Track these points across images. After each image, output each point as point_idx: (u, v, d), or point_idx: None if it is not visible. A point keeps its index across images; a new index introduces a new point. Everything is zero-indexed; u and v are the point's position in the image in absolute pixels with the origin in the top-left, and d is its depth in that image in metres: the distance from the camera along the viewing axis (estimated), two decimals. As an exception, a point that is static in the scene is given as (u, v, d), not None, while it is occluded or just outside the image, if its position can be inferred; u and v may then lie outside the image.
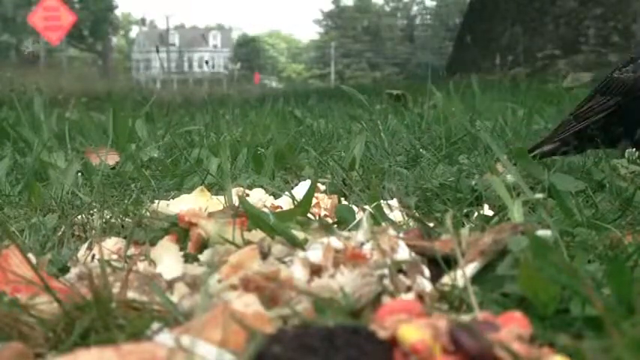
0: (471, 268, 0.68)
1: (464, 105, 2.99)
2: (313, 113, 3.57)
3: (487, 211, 1.06)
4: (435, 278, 0.69)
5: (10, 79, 7.57)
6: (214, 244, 0.84)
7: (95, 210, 1.17)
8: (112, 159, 1.83)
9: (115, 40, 45.28)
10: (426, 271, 0.69)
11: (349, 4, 48.61)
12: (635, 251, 0.71)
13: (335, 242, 0.71)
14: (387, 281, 0.66)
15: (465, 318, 0.55)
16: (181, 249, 0.84)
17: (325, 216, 1.05)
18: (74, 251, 0.92)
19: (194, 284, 0.70)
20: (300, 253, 0.71)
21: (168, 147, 2.08)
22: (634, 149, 1.43)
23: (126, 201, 1.25)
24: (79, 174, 1.59)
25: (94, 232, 1.05)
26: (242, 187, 1.27)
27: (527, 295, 0.61)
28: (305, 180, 1.31)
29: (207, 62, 42.37)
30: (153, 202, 1.12)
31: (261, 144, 1.90)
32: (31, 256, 0.76)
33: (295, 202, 1.05)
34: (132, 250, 0.87)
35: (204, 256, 0.81)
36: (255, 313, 0.57)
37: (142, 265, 0.80)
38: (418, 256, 0.72)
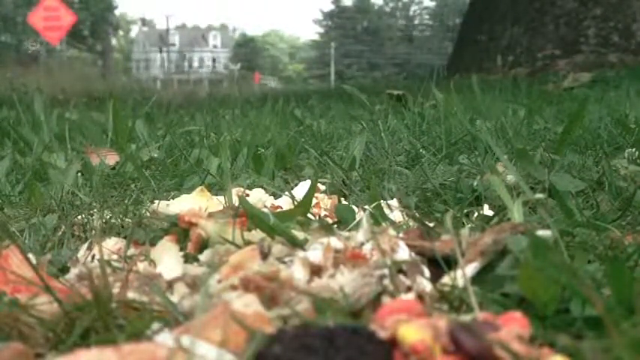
0: (471, 268, 0.68)
1: (464, 105, 2.99)
2: (313, 113, 3.57)
3: (487, 211, 1.06)
4: (435, 278, 0.69)
5: (10, 79, 7.57)
6: (214, 245, 0.84)
7: (95, 210, 1.17)
8: (112, 159, 1.83)
9: (114, 40, 45.29)
10: (426, 271, 0.69)
11: (349, 4, 48.61)
12: (635, 251, 0.71)
13: (335, 242, 0.71)
14: (387, 281, 0.66)
15: (465, 318, 0.55)
16: (181, 249, 0.84)
17: (325, 216, 1.05)
18: (74, 251, 0.92)
19: (194, 284, 0.70)
20: (300, 253, 0.71)
21: (168, 147, 2.08)
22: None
23: (126, 201, 1.25)
24: (79, 174, 1.59)
25: (94, 232, 1.05)
26: (242, 187, 1.27)
27: (527, 295, 0.61)
28: (305, 180, 1.31)
29: (214, 60, 42.06)
30: (153, 202, 1.12)
31: (261, 144, 1.90)
32: (31, 256, 0.76)
33: (295, 202, 1.05)
34: (132, 250, 0.87)
35: (204, 257, 0.81)
36: (255, 313, 0.57)
37: (142, 265, 0.80)
38: (418, 256, 0.72)
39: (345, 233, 0.78)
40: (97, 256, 0.83)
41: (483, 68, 7.64)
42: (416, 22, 49.43)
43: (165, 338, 0.53)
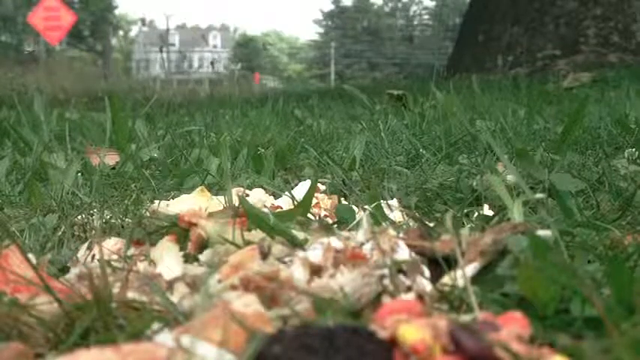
0: (471, 268, 0.68)
1: (464, 105, 2.99)
2: (313, 113, 3.57)
3: (487, 211, 1.06)
4: (435, 278, 0.69)
5: (10, 79, 7.58)
6: (214, 245, 0.84)
7: (95, 210, 1.17)
8: (112, 159, 1.83)
9: (114, 40, 45.30)
10: (426, 271, 0.69)
11: (349, 4, 48.62)
12: (635, 251, 0.71)
13: (335, 242, 0.71)
14: (387, 281, 0.66)
15: (465, 318, 0.55)
16: (181, 249, 0.84)
17: (325, 216, 1.05)
18: (74, 251, 0.92)
19: (194, 284, 0.70)
20: (300, 253, 0.71)
21: (168, 147, 2.08)
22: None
23: (126, 201, 1.25)
24: (79, 174, 1.59)
25: (94, 232, 1.05)
26: (242, 187, 1.27)
27: (527, 295, 0.61)
28: (305, 180, 1.31)
29: (212, 63, 41.50)
30: (153, 202, 1.12)
31: (261, 144, 1.90)
32: (31, 256, 0.76)
33: (295, 202, 1.05)
34: (132, 250, 0.87)
35: (204, 256, 0.81)
36: (255, 313, 0.57)
37: (142, 265, 0.80)
38: (418, 256, 0.72)
39: (345, 233, 0.78)
40: (97, 256, 0.83)
41: (483, 68, 7.64)
42: (416, 22, 49.45)
43: (166, 338, 0.53)
